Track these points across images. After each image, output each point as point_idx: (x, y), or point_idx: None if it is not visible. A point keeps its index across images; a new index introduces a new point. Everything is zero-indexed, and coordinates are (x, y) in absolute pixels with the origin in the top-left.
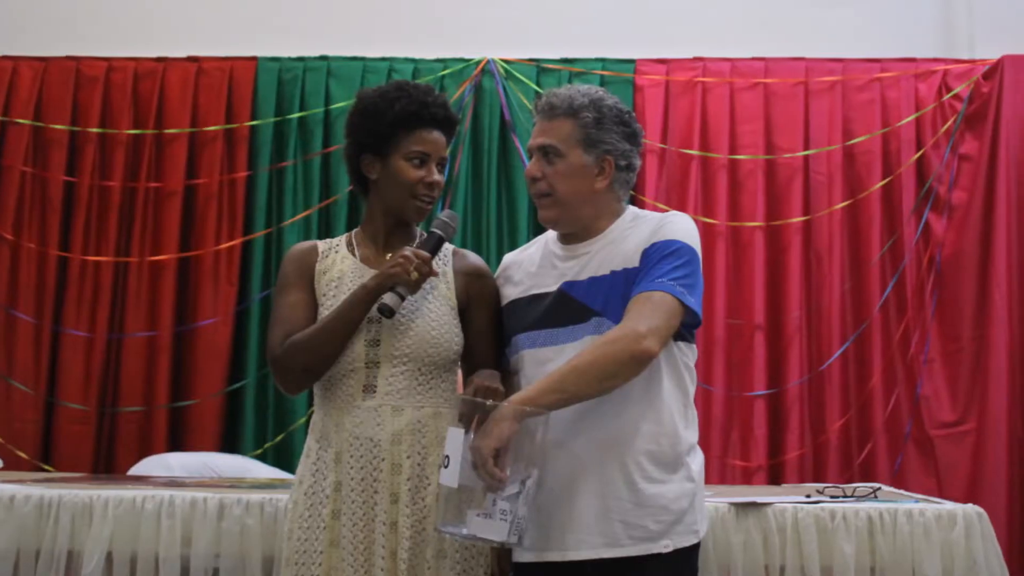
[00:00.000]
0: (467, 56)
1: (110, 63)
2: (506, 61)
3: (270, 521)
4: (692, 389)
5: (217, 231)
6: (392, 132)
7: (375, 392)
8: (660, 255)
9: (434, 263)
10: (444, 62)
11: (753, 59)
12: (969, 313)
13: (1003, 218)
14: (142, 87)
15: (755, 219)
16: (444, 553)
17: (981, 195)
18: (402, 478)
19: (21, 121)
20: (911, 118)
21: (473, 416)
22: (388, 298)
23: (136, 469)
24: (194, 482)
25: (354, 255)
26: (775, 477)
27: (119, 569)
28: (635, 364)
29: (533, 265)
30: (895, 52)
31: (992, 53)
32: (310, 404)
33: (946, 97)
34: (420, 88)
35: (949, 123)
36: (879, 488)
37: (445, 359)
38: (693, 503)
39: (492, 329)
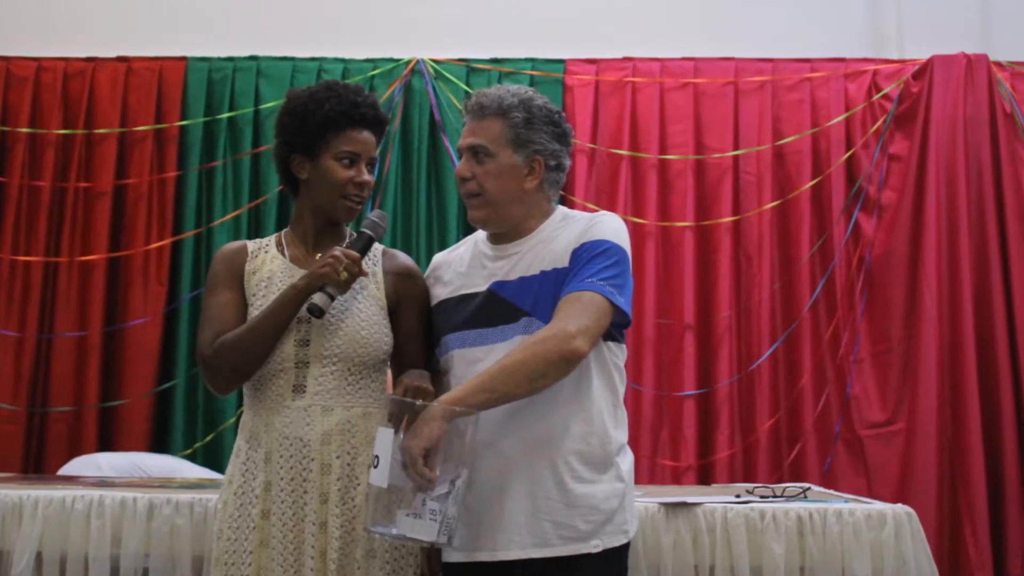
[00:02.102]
0: (397, 56)
1: (39, 63)
2: (436, 61)
3: (200, 521)
4: (622, 389)
5: (147, 231)
6: (322, 132)
7: (305, 392)
8: (590, 255)
9: (364, 263)
10: (374, 62)
11: (683, 59)
12: (899, 313)
13: (932, 218)
14: (72, 87)
15: (685, 219)
16: (374, 553)
17: (911, 195)
18: (332, 478)
19: None
20: (841, 118)
21: (403, 416)
22: (318, 298)
23: (66, 469)
24: (124, 482)
25: (284, 255)
26: (705, 477)
27: (49, 569)
28: (565, 364)
29: (463, 265)
30: (825, 52)
31: (921, 53)
32: (240, 404)
33: (876, 97)
34: (350, 88)
35: (879, 123)
36: (809, 488)
37: (375, 359)
38: (623, 503)
39: (422, 329)
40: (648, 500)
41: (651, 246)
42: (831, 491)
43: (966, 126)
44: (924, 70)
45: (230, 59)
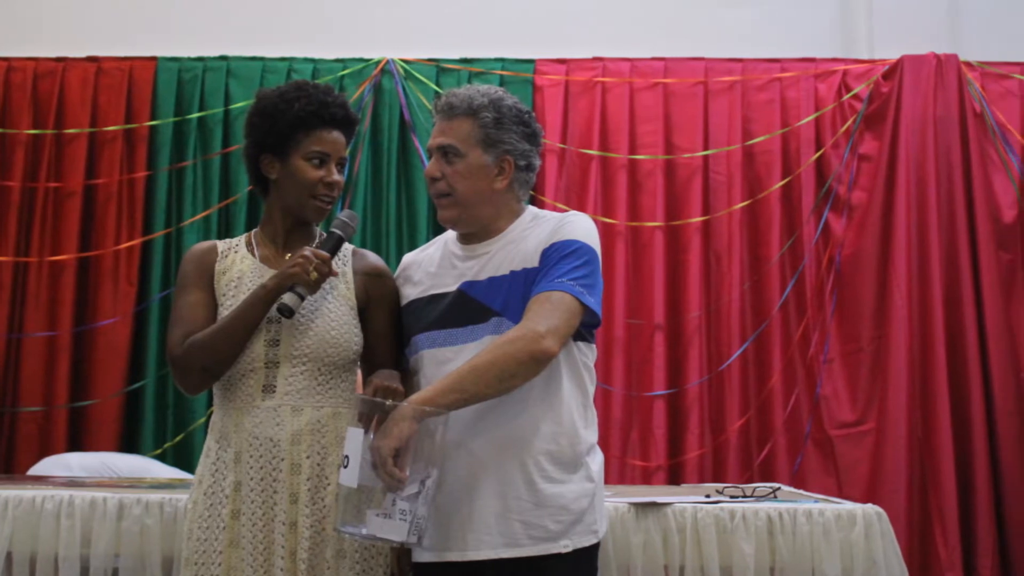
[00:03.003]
0: (367, 56)
1: (9, 63)
2: (406, 61)
3: (170, 521)
4: (592, 389)
5: (117, 231)
6: (291, 132)
7: (274, 392)
8: (560, 255)
9: (334, 263)
10: (344, 62)
11: (653, 59)
12: (869, 313)
13: (902, 218)
14: (42, 87)
15: (655, 219)
16: (344, 553)
17: (881, 195)
18: (302, 478)
19: None
20: (811, 118)
21: (372, 416)
22: (287, 298)
23: (36, 469)
24: (94, 482)
25: (254, 255)
26: (675, 477)
27: (19, 569)
28: (534, 364)
29: (433, 265)
30: (795, 52)
31: (891, 53)
32: (210, 404)
33: (846, 97)
34: (319, 88)
35: (849, 123)
36: (779, 488)
37: (345, 359)
38: (593, 503)
39: (391, 329)
40: (618, 500)
41: (621, 246)
42: (801, 491)
43: (936, 126)
44: (894, 70)
45: (200, 59)
